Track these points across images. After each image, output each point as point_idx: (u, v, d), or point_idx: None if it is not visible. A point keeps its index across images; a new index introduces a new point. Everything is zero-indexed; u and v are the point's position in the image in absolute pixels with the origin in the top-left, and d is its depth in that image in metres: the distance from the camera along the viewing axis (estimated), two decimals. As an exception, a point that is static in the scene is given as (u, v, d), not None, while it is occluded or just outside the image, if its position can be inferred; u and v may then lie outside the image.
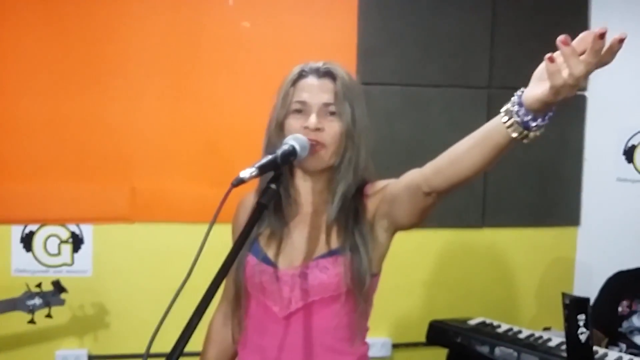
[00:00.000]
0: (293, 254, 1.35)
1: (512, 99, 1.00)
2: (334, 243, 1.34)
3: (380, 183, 1.38)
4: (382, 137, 2.58)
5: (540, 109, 0.97)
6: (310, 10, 2.56)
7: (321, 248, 1.34)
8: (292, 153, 1.24)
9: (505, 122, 1.01)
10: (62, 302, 2.23)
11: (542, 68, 0.96)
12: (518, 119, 0.99)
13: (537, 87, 0.96)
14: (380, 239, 1.36)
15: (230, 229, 1.52)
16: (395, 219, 1.32)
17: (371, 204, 1.36)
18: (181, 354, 1.00)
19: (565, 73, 0.90)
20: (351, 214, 1.34)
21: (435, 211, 2.26)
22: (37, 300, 2.19)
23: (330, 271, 1.31)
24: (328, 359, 1.35)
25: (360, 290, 1.32)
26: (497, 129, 1.03)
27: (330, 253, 1.33)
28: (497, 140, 1.04)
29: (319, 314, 1.33)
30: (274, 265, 1.34)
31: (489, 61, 2.73)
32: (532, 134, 1.00)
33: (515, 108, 0.99)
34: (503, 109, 1.02)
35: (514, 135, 1.01)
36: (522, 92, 0.99)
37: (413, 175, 1.26)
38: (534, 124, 0.99)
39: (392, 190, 1.32)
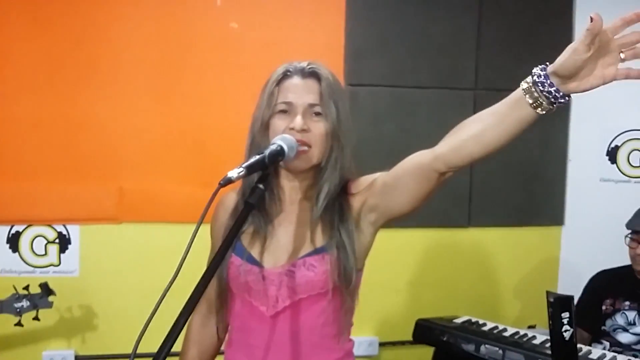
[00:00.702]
0: (278, 252, 1.35)
1: (541, 85, 1.06)
2: (320, 241, 1.34)
3: (367, 178, 1.38)
4: (369, 138, 2.59)
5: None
6: (298, 12, 2.58)
7: (307, 246, 1.34)
8: (280, 153, 1.23)
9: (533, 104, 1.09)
10: (50, 305, 2.21)
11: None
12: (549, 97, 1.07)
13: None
14: (365, 233, 1.37)
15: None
16: (390, 209, 1.32)
17: (357, 201, 1.36)
18: (168, 354, 0.99)
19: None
20: (336, 212, 1.35)
21: (421, 211, 2.29)
22: (25, 303, 2.17)
23: (317, 269, 1.31)
24: (315, 356, 1.36)
25: (347, 287, 1.33)
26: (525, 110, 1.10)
27: (317, 251, 1.33)
28: (523, 117, 1.11)
29: (307, 312, 1.33)
30: (259, 264, 1.34)
31: (475, 63, 2.76)
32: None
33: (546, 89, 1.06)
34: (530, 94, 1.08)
35: (541, 112, 1.09)
36: (545, 70, 1.06)
37: (419, 158, 1.27)
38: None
39: (385, 180, 1.33)
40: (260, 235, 1.35)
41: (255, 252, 1.35)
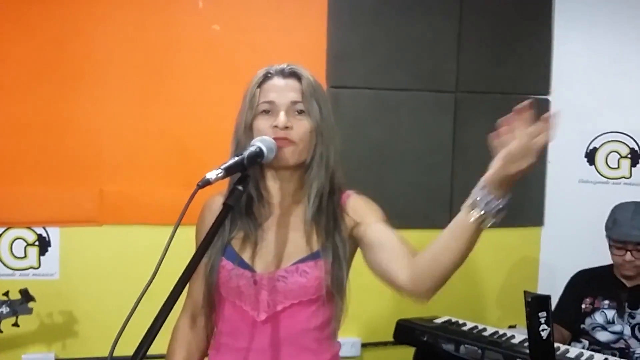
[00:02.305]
0: (269, 257, 1.35)
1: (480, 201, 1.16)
2: (313, 246, 1.34)
3: (363, 206, 1.40)
4: (351, 140, 2.61)
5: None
6: (280, 14, 2.58)
7: (299, 251, 1.35)
8: (258, 154, 1.24)
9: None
10: (29, 311, 2.18)
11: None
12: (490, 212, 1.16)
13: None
14: (352, 243, 1.40)
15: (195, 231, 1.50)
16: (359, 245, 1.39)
17: (350, 220, 1.38)
18: (144, 356, 0.99)
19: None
20: (330, 216, 1.36)
21: (402, 212, 2.28)
22: (4, 309, 2.14)
23: (309, 275, 1.32)
24: (305, 359, 1.37)
25: (339, 292, 1.35)
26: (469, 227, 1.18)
27: (310, 257, 1.34)
28: (471, 235, 1.20)
29: (297, 317, 1.34)
30: (251, 269, 1.34)
31: (456, 66, 2.78)
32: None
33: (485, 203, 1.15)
34: (474, 215, 1.17)
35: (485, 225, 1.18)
36: (484, 190, 1.15)
37: (397, 263, 1.31)
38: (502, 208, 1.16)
39: (369, 234, 1.36)
40: (251, 240, 1.36)
41: (246, 257, 1.35)
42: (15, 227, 2.42)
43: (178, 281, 1.07)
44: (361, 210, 1.39)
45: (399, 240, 1.34)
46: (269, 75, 1.36)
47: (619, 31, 2.85)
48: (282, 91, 1.34)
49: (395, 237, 1.34)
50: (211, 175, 1.13)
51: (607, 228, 2.44)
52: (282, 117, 1.30)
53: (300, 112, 1.33)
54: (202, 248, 1.13)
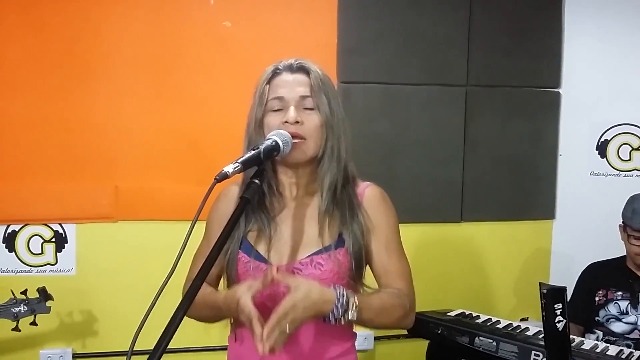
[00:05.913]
0: (284, 249, 1.37)
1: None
2: (326, 239, 1.36)
3: (379, 205, 1.41)
4: (362, 135, 2.61)
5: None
6: (290, 10, 2.59)
7: (314, 244, 1.36)
8: (275, 148, 1.26)
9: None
10: (47, 310, 2.18)
11: None
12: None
13: None
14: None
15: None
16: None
17: (365, 211, 1.39)
18: (164, 350, 0.99)
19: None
20: (346, 207, 1.37)
21: (413, 206, 2.27)
22: (22, 308, 2.14)
23: (324, 267, 1.33)
24: (321, 350, 1.39)
25: (357, 280, 1.37)
26: None
27: (324, 249, 1.35)
28: None
29: None
30: (266, 261, 1.35)
31: (466, 59, 2.77)
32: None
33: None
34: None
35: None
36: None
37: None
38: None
39: (374, 257, 1.40)
40: (266, 233, 1.37)
41: (262, 250, 1.37)
42: (32, 224, 2.45)
43: (197, 275, 1.08)
44: (375, 217, 1.40)
45: (391, 276, 1.40)
46: (278, 71, 1.37)
47: (629, 23, 2.83)
48: (291, 86, 1.35)
49: (389, 275, 1.40)
50: (228, 168, 1.15)
51: (626, 218, 2.42)
52: (292, 113, 1.32)
53: (310, 108, 1.34)
54: (220, 242, 1.13)
